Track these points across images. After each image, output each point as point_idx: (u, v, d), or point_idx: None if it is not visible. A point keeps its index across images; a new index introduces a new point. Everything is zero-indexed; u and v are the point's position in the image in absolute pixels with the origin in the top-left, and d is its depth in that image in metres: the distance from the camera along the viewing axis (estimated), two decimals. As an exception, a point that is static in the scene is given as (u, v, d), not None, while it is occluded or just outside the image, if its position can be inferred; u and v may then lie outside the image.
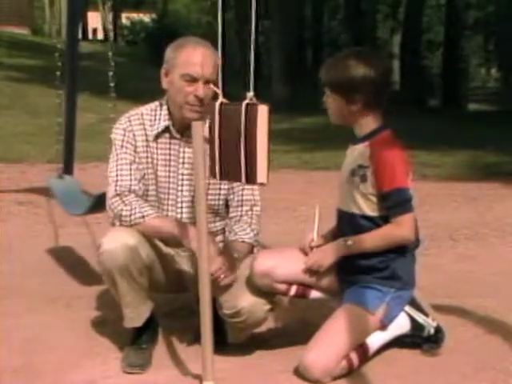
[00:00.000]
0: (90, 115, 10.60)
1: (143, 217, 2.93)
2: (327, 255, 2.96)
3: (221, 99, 2.53)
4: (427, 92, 25.94)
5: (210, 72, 2.96)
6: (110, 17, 4.78)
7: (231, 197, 3.13)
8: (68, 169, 5.06)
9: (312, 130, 13.28)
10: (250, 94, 2.44)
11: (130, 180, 3.02)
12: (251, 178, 2.46)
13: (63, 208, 4.55)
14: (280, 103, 16.09)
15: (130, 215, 2.93)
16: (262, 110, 2.41)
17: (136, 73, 19.10)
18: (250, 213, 3.12)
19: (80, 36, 6.08)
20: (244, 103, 2.43)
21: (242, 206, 3.12)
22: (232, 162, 2.48)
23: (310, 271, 2.98)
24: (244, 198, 3.12)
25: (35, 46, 22.58)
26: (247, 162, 2.44)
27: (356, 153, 2.97)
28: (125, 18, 38.68)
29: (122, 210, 2.94)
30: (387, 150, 2.87)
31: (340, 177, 3.04)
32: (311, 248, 3.04)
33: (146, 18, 35.33)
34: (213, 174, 2.59)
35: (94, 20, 37.02)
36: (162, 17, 34.14)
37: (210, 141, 2.56)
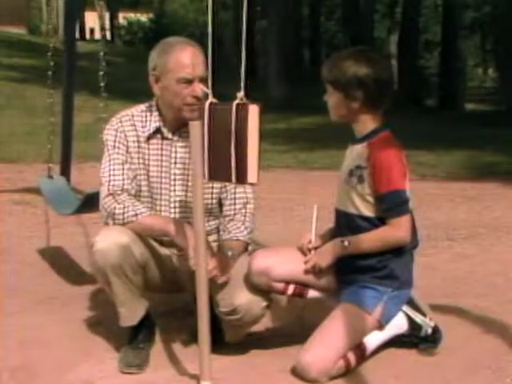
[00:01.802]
0: (87, 115, 10.59)
1: (136, 215, 2.93)
2: (325, 257, 2.96)
3: (210, 99, 2.53)
4: (424, 92, 25.93)
5: (202, 69, 2.98)
6: (105, 15, 4.78)
7: (224, 195, 3.14)
8: (65, 169, 5.06)
9: (309, 130, 13.28)
10: (241, 93, 2.43)
11: (123, 180, 3.02)
12: (241, 178, 2.45)
13: (52, 207, 4.55)
14: (277, 103, 16.11)
15: (123, 213, 2.93)
16: (253, 110, 2.40)
17: (133, 73, 19.07)
18: (243, 211, 3.13)
19: (77, 36, 6.08)
20: (234, 103, 2.42)
21: (235, 204, 3.13)
22: (222, 163, 2.47)
23: (310, 273, 2.98)
24: (237, 195, 3.13)
25: (32, 45, 22.56)
26: (237, 162, 2.43)
27: (354, 153, 2.97)
28: (122, 17, 38.66)
29: (115, 208, 2.95)
30: (385, 152, 2.87)
31: (339, 177, 3.04)
32: (309, 249, 3.04)
33: (143, 17, 35.33)
34: (202, 175, 2.58)
35: (92, 20, 36.98)
36: (160, 17, 34.15)
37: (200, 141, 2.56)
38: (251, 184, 2.49)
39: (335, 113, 2.98)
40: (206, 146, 2.52)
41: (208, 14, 2.60)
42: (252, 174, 2.43)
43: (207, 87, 2.85)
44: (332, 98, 2.95)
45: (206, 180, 2.62)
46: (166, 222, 2.94)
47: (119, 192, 2.99)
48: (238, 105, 2.41)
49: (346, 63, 2.89)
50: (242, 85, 2.43)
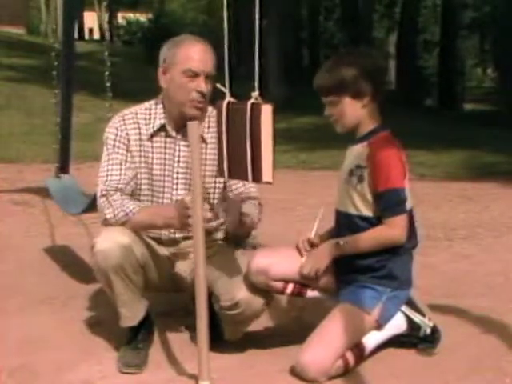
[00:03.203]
0: (86, 115, 10.60)
1: (127, 214, 2.91)
2: (322, 258, 2.95)
3: (228, 98, 2.54)
4: (423, 92, 25.95)
5: (210, 67, 2.97)
6: (106, 16, 4.79)
7: (230, 194, 3.13)
8: (64, 169, 5.06)
9: (309, 130, 13.29)
10: (255, 93, 2.44)
11: (119, 180, 3.00)
12: (257, 177, 2.48)
13: (61, 207, 4.55)
14: (277, 103, 16.05)
15: (114, 216, 2.92)
16: (266, 109, 2.42)
17: (132, 73, 19.09)
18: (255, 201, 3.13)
19: (76, 36, 6.09)
20: (249, 102, 2.44)
21: (247, 198, 3.12)
22: (239, 161, 2.50)
23: (308, 277, 2.98)
24: (249, 191, 3.13)
25: (31, 45, 22.58)
26: (253, 160, 2.46)
27: (354, 153, 2.97)
28: (121, 17, 38.67)
29: (106, 214, 2.94)
30: (384, 151, 2.87)
31: (339, 177, 3.04)
32: (306, 241, 3.04)
33: (142, 17, 35.31)
34: (221, 173, 2.60)
35: (90, 20, 37.01)
36: (158, 16, 34.09)
37: (218, 140, 2.57)
38: (267, 183, 2.49)
39: (343, 122, 2.95)
40: (224, 145, 2.54)
41: (223, 12, 2.60)
42: (267, 172, 2.45)
43: (215, 86, 2.85)
44: (338, 107, 2.92)
45: (225, 178, 2.64)
46: (152, 216, 2.94)
47: (112, 192, 2.97)
48: (252, 104, 2.43)
49: (345, 64, 2.89)
50: (257, 84, 2.44)
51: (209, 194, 3.09)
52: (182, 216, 2.79)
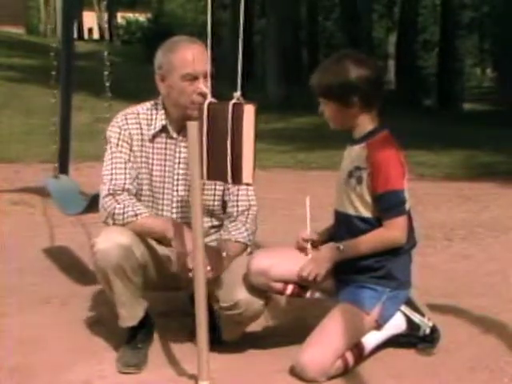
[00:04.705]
0: (85, 115, 10.60)
1: (136, 215, 2.92)
2: (322, 263, 2.94)
3: (209, 99, 2.54)
4: (422, 92, 25.95)
5: (207, 66, 2.96)
6: (105, 16, 4.80)
7: (227, 198, 3.13)
8: (63, 168, 5.06)
9: (307, 130, 13.28)
10: (237, 93, 2.44)
11: (124, 179, 3.00)
12: (237, 178, 2.46)
13: (59, 208, 4.55)
14: (275, 103, 16.13)
15: (123, 213, 2.92)
16: (249, 110, 2.41)
17: (132, 72, 19.08)
18: (246, 213, 3.11)
19: (75, 36, 6.09)
20: (231, 103, 2.43)
21: (237, 206, 3.12)
22: (218, 162, 2.48)
23: (308, 281, 2.97)
24: (239, 198, 3.12)
25: (30, 45, 22.57)
26: (233, 161, 2.44)
27: (353, 154, 2.97)
28: (120, 17, 38.71)
29: (114, 208, 2.93)
30: (383, 152, 2.87)
31: (337, 178, 3.04)
32: (305, 240, 3.03)
33: (141, 17, 35.37)
34: (200, 175, 2.58)
35: (90, 20, 36.97)
36: (158, 16, 34.16)
37: (198, 140, 2.56)
38: (247, 184, 2.50)
39: (335, 123, 2.98)
40: (204, 146, 2.52)
41: (207, 13, 2.60)
42: (247, 173, 2.44)
43: (207, 86, 2.85)
44: (328, 110, 2.95)
45: (204, 179, 2.63)
46: (165, 225, 2.93)
47: (119, 192, 2.97)
48: (234, 104, 2.42)
49: (334, 72, 2.89)
50: (239, 84, 2.44)
51: (208, 195, 3.09)
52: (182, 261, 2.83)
